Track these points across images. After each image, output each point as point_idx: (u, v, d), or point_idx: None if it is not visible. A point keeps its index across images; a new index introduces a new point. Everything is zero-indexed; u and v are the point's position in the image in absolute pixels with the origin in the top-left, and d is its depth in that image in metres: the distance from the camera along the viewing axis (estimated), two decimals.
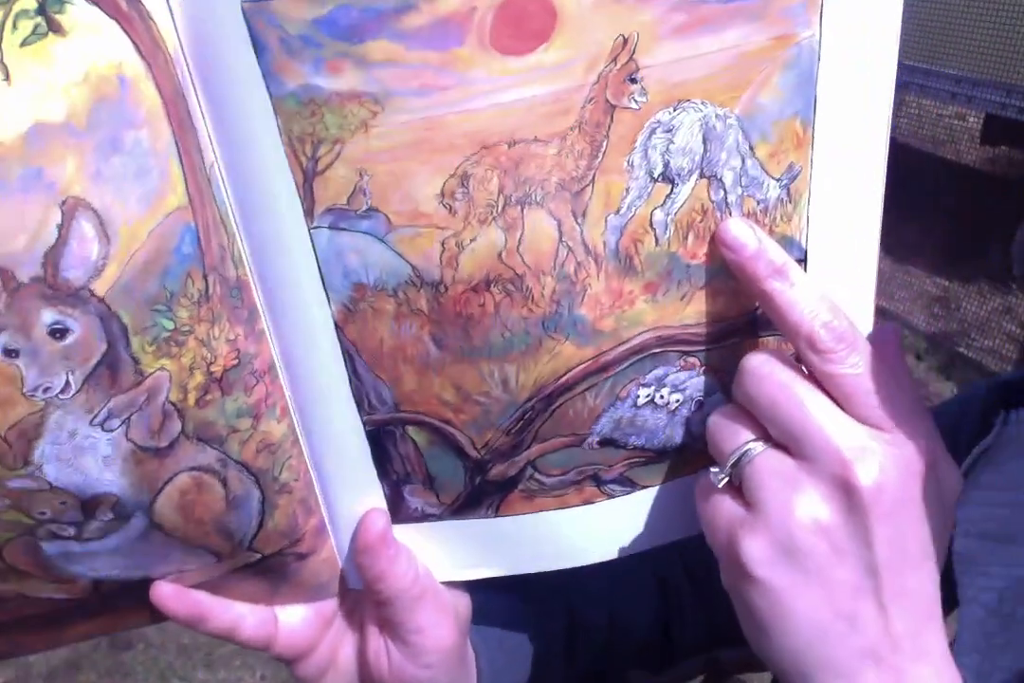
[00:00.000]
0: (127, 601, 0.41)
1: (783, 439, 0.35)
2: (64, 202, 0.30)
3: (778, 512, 0.34)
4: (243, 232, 0.36)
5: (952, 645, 0.40)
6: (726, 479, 0.36)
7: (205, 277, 0.34)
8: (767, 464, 0.35)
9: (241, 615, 0.43)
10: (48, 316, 0.31)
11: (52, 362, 0.32)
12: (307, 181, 0.35)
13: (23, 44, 0.28)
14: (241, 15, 0.32)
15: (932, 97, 4.21)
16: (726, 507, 0.36)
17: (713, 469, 0.37)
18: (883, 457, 0.34)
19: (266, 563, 0.42)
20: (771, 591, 0.34)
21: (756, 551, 0.34)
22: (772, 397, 0.35)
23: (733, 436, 0.36)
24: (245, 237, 0.36)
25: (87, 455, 0.34)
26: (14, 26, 0.28)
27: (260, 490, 0.39)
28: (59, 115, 0.29)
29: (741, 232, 0.36)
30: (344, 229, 0.36)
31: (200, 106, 0.34)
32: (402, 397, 0.39)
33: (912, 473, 0.34)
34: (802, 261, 0.40)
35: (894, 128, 0.40)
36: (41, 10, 0.28)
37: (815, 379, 0.36)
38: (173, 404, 0.35)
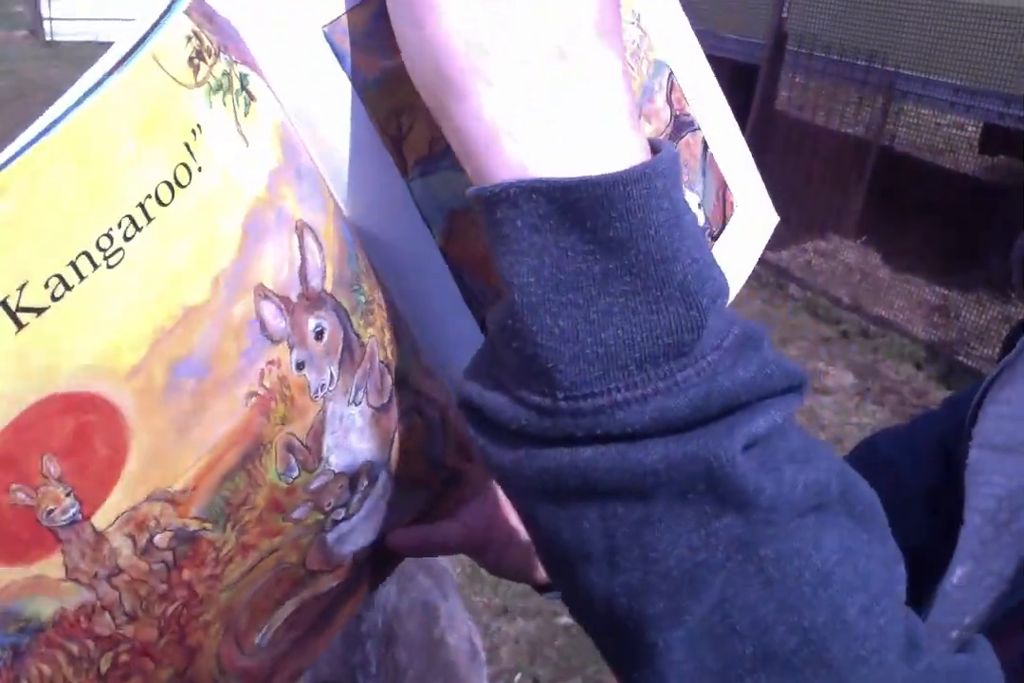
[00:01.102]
0: (369, 565, 0.47)
1: None
2: (296, 227, 0.36)
3: None
4: (349, 213, 0.42)
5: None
6: None
7: (360, 256, 0.40)
8: None
9: (448, 528, 0.49)
10: (312, 323, 0.37)
11: (321, 362, 0.37)
12: (398, 149, 0.40)
13: (245, 114, 0.34)
14: (323, 36, 0.37)
15: (930, 106, 4.23)
16: None
17: None
18: None
19: (452, 477, 0.48)
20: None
21: None
22: None
23: None
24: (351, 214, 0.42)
25: (351, 433, 0.40)
26: (236, 102, 0.33)
27: (438, 411, 0.45)
28: (275, 161, 0.35)
29: None
30: (431, 172, 0.41)
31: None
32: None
33: None
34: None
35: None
36: (242, 85, 0.34)
37: None
38: (382, 362, 0.41)
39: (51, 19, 9.69)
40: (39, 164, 0.27)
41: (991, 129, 4.15)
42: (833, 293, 4.08)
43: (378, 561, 0.47)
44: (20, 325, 0.27)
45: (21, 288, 0.27)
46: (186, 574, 0.36)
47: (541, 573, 0.55)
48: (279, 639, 0.43)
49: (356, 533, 0.43)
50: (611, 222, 0.29)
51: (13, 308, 0.27)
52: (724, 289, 0.32)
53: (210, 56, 0.32)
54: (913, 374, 3.62)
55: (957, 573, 0.44)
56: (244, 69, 0.35)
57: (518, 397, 0.31)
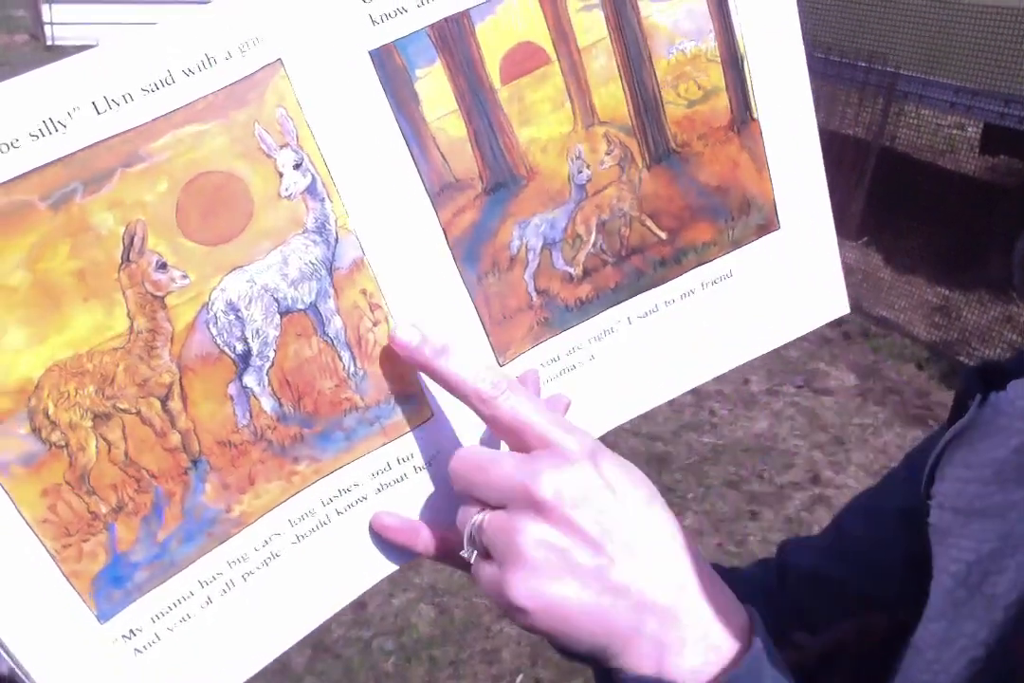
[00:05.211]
0: None
1: (491, 500, 0.43)
2: None
3: (512, 554, 0.41)
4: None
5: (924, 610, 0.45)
6: (475, 551, 0.44)
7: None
8: (489, 524, 0.43)
9: (441, 536, 0.50)
10: None
11: None
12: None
13: None
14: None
15: (931, 107, 4.23)
16: (486, 571, 0.43)
17: (463, 552, 0.44)
18: (549, 471, 0.42)
19: None
20: (545, 613, 0.41)
21: (517, 592, 0.41)
22: (466, 477, 0.44)
23: (463, 517, 0.44)
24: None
25: None
26: None
27: None
28: None
29: (404, 333, 0.45)
30: None
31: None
32: None
33: (579, 470, 0.42)
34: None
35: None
36: None
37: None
38: None
39: (52, 23, 9.70)
40: None
41: (991, 129, 4.16)
42: None
43: None
44: None
45: None
46: None
47: None
48: None
49: None
50: None
51: None
52: None
53: None
54: (915, 374, 3.62)
55: (929, 629, 0.45)
56: None
57: None
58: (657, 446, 3.14)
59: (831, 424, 3.31)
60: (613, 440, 3.14)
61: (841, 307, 0.59)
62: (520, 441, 0.43)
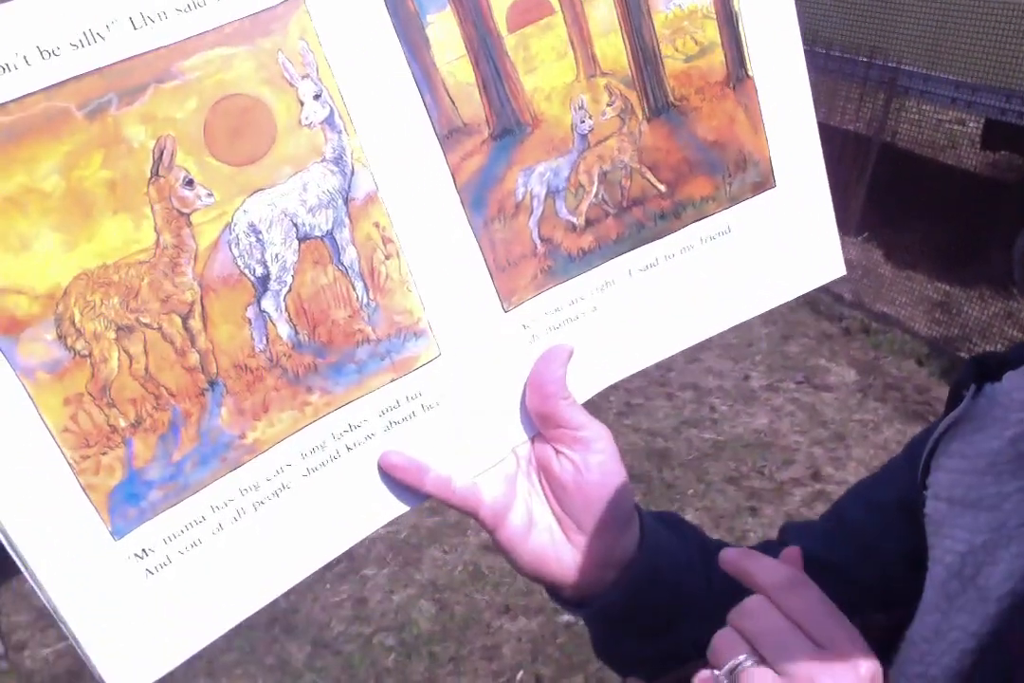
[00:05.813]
0: None
1: (766, 654, 0.43)
2: None
3: None
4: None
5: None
6: (725, 680, 0.44)
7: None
8: (758, 674, 0.42)
9: (446, 477, 0.50)
10: None
11: None
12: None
13: None
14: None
15: (932, 102, 4.22)
16: None
17: (716, 672, 0.44)
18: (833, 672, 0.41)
19: None
20: None
21: None
22: (766, 632, 0.44)
23: (732, 651, 0.44)
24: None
25: None
26: None
27: None
28: None
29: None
30: None
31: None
32: None
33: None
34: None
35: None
36: None
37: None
38: None
39: None
40: None
41: (992, 125, 4.14)
42: (835, 289, 4.08)
43: None
44: None
45: None
46: None
47: (555, 571, 0.54)
48: None
49: None
50: None
51: None
52: None
53: None
54: (915, 370, 3.62)
55: (924, 622, 0.45)
56: None
57: None
58: (657, 442, 3.14)
59: (831, 420, 3.31)
60: (613, 435, 3.13)
61: (837, 269, 0.60)
62: (810, 630, 0.43)
